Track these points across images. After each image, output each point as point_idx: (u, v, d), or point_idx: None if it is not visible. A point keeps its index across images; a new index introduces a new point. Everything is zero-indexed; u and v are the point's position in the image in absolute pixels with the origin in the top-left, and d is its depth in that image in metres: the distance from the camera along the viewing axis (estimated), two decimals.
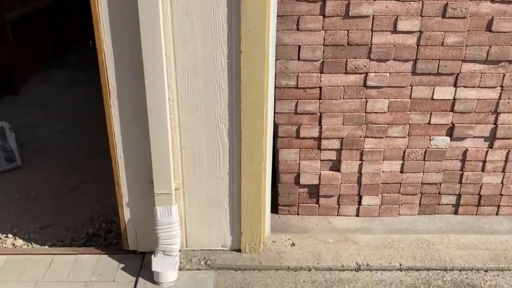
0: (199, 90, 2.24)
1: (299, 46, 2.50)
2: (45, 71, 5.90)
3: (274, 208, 2.86)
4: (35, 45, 5.76)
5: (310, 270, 2.51)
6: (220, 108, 2.27)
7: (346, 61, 2.52)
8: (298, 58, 2.52)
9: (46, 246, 2.76)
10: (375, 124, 2.66)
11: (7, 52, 4.92)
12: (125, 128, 2.30)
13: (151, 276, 2.44)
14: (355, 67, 2.54)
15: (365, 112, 2.64)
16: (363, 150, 2.73)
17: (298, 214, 2.91)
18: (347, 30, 2.46)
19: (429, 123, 2.68)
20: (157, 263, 2.39)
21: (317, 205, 2.88)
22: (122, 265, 2.53)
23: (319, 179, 2.79)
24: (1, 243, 2.79)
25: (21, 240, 2.82)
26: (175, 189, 2.39)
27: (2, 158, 3.53)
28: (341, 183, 2.81)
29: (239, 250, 2.59)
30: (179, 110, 2.27)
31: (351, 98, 2.60)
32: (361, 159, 2.75)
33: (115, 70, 2.18)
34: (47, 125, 4.43)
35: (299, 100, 2.61)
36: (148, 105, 2.17)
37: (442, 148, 2.74)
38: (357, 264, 2.52)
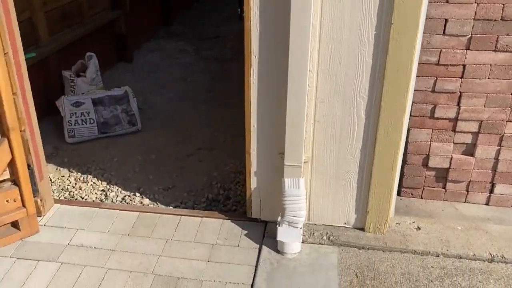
0: (341, 62, 2.17)
1: (446, 20, 2.34)
2: (154, 40, 6.13)
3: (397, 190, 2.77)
4: (148, 14, 5.99)
5: (438, 256, 2.41)
6: (361, 82, 2.20)
7: (497, 37, 2.33)
8: (443, 33, 2.36)
9: (170, 207, 2.90)
10: None
11: (124, 20, 5.16)
12: (261, 98, 2.30)
13: (274, 245, 2.47)
14: (506, 45, 2.34)
15: (511, 94, 2.43)
16: (503, 135, 2.53)
17: (421, 198, 2.79)
18: (503, 4, 2.26)
19: None
20: (283, 233, 2.41)
21: (444, 189, 2.74)
22: (245, 232, 2.59)
23: (450, 162, 2.65)
24: (131, 200, 2.96)
25: (147, 199, 2.98)
26: (304, 162, 2.38)
27: (125, 121, 3.73)
28: (473, 169, 2.64)
29: (362, 229, 2.54)
30: (318, 82, 2.23)
31: (497, 78, 2.41)
32: (499, 145, 2.56)
33: (258, 38, 2.17)
34: (160, 92, 4.61)
35: (438, 78, 2.46)
36: (289, 75, 2.15)
37: None
38: (490, 254, 2.38)
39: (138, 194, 3.03)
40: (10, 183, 2.41)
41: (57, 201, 2.83)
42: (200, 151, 3.58)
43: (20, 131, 2.39)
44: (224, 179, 3.21)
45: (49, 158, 3.42)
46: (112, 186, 3.11)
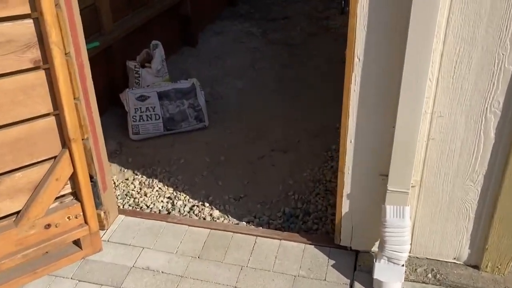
0: (470, 68, 1.71)
1: None
2: (218, 22, 5.77)
3: None
4: None
5: None
6: (494, 93, 1.73)
7: None
8: None
9: (244, 223, 2.58)
10: None
11: (190, 1, 4.82)
12: (363, 108, 1.89)
13: (368, 282, 2.09)
14: None
15: None
16: None
17: None
18: None
19: None
20: (381, 270, 2.03)
21: None
22: (333, 262, 2.22)
23: None
24: (199, 211, 2.67)
25: (217, 211, 2.68)
26: (411, 187, 1.95)
27: (192, 117, 3.43)
28: None
29: (476, 267, 2.10)
30: (437, 92, 1.79)
31: None
32: None
33: (365, 38, 1.75)
34: (226, 81, 4.27)
35: None
36: (402, 83, 1.72)
37: None
38: None
39: (207, 204, 2.73)
40: (71, 197, 2.17)
41: (121, 211, 2.58)
42: (272, 153, 3.22)
43: (82, 139, 2.13)
44: (302, 188, 2.84)
45: (112, 157, 3.19)
46: (179, 193, 2.83)
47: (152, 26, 4.16)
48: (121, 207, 2.72)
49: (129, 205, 2.75)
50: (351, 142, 1.98)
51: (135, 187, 2.90)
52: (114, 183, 2.94)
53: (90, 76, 2.18)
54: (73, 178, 2.12)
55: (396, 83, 1.76)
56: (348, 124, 1.94)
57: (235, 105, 3.87)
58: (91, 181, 2.23)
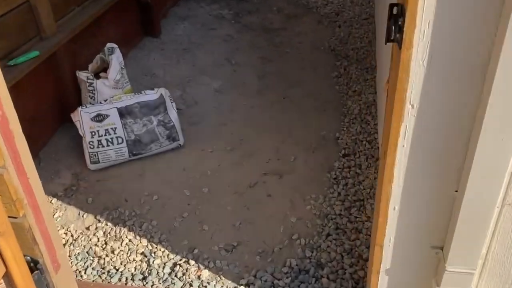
0: None
1: None
2: (183, 4, 5.05)
3: None
4: None
5: None
6: None
7: None
8: None
9: (242, 286, 2.04)
10: None
11: None
12: (414, 169, 1.35)
13: None
14: None
15: None
16: None
17: None
18: None
19: None
20: None
21: None
22: None
23: None
24: (184, 273, 2.11)
25: (207, 270, 2.13)
26: None
27: (163, 136, 2.82)
28: None
29: None
30: None
31: None
32: None
33: (423, 78, 1.18)
34: (200, 81, 3.64)
35: None
36: (479, 141, 1.18)
37: None
38: None
39: (192, 261, 2.17)
40: None
41: (83, 285, 2.00)
42: (265, 177, 2.67)
43: (17, 217, 1.51)
44: (307, 229, 2.32)
45: (67, 196, 2.57)
46: (155, 246, 2.26)
47: (105, 20, 3.45)
48: (83, 273, 2.14)
49: (93, 269, 2.16)
50: (395, 209, 1.44)
51: (98, 240, 2.31)
52: (72, 235, 2.34)
53: (19, 129, 1.54)
54: (7, 276, 1.52)
55: (464, 136, 1.23)
56: (391, 188, 1.40)
57: (213, 111, 3.27)
58: (36, 269, 1.63)
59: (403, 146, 1.31)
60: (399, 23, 1.11)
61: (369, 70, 3.60)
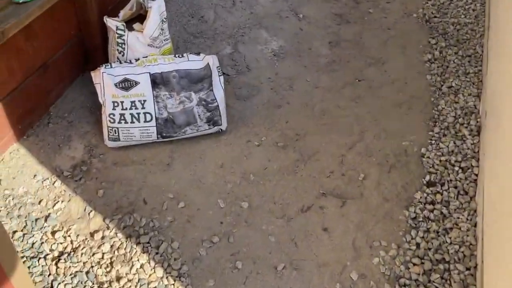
0: None
1: None
2: None
3: None
4: None
5: None
6: None
7: None
8: None
9: None
10: None
11: None
12: None
13: None
14: None
15: None
16: None
17: None
18: None
19: None
20: None
21: None
22: None
23: None
24: None
25: None
26: None
27: (203, 118, 2.20)
28: None
29: None
30: None
31: None
32: None
33: None
34: (256, 36, 2.93)
35: None
36: None
37: None
38: None
39: None
40: None
41: None
42: (323, 200, 2.07)
43: None
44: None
45: (75, 176, 2.07)
46: (172, 280, 1.74)
47: None
48: None
49: None
50: None
51: (103, 256, 1.81)
52: (71, 241, 1.85)
53: None
54: None
55: None
56: None
57: (268, 85, 2.61)
58: None
59: None
60: None
61: (473, 60, 2.80)
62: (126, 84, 2.11)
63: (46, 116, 2.35)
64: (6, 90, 2.07)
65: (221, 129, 2.28)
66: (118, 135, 2.14)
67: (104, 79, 2.10)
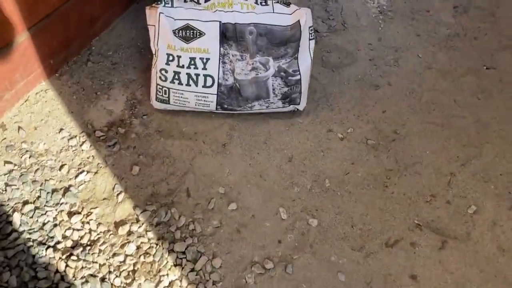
0: None
1: None
2: None
3: None
4: None
5: None
6: None
7: None
8: None
9: None
10: None
11: None
12: None
13: None
14: None
15: None
16: None
17: None
18: None
19: None
20: None
21: None
22: None
23: None
24: None
25: None
26: None
27: (277, 94, 1.68)
28: None
29: None
30: None
31: None
32: None
33: None
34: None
35: None
36: None
37: None
38: None
39: None
40: None
41: None
42: (416, 233, 1.55)
43: None
44: None
45: (108, 141, 1.64)
46: None
47: None
48: None
49: None
50: None
51: (124, 261, 1.41)
52: (90, 231, 1.46)
53: None
54: None
55: None
56: None
57: (365, 54, 2.01)
58: None
59: None
60: None
61: None
62: (188, 33, 1.59)
63: (86, 51, 1.89)
64: (38, 16, 1.61)
65: (297, 109, 1.75)
66: (168, 97, 1.66)
67: (161, 22, 1.58)
